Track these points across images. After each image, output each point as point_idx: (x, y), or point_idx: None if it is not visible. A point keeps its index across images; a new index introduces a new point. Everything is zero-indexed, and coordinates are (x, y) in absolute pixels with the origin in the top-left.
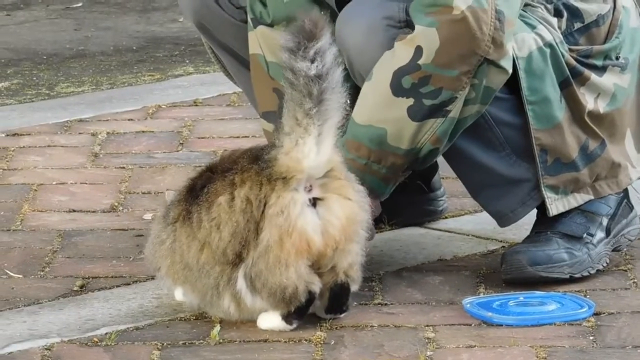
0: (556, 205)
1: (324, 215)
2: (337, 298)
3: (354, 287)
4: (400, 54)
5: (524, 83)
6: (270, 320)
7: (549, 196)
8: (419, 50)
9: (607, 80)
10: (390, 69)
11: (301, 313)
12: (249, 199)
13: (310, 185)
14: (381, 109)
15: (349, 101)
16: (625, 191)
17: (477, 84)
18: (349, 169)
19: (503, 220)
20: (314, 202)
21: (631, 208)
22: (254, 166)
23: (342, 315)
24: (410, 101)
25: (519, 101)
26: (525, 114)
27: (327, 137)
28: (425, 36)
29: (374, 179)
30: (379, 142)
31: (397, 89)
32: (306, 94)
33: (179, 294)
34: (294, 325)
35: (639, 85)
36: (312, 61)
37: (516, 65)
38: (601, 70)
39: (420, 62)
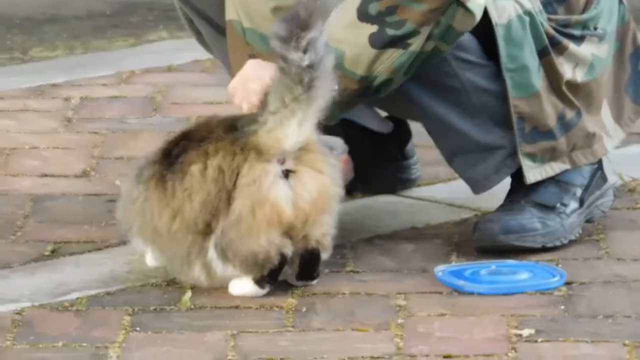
0: (533, 173)
1: (296, 188)
2: (308, 264)
3: (325, 255)
4: None
5: (502, 50)
6: (242, 286)
7: (527, 164)
8: None
9: (585, 50)
10: None
11: (273, 276)
12: (221, 168)
13: (284, 158)
14: (343, 30)
15: (336, 87)
16: (600, 163)
17: (442, 22)
18: None
19: (477, 187)
20: (287, 173)
21: (605, 180)
22: (229, 135)
23: (314, 282)
24: (374, 28)
25: (498, 68)
26: (504, 82)
27: (309, 120)
28: None
29: None
30: (336, 64)
31: (363, 13)
32: (297, 81)
33: (150, 260)
34: (266, 290)
35: (617, 55)
36: (305, 51)
37: (495, 33)
38: (579, 40)
39: None
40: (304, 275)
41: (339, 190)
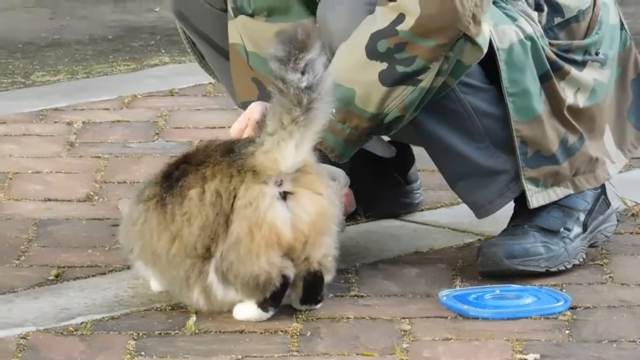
0: (537, 197)
1: (294, 210)
2: (311, 287)
3: (328, 277)
4: (381, 17)
5: (504, 74)
6: (246, 310)
7: (530, 188)
8: (400, 17)
9: (587, 75)
10: (368, 31)
11: (276, 299)
12: (219, 192)
13: (281, 180)
14: (353, 69)
15: (334, 110)
16: (603, 188)
17: (451, 57)
18: None
19: (480, 211)
20: (284, 195)
21: (608, 205)
22: (226, 159)
23: (318, 306)
24: (384, 65)
25: (500, 92)
26: (506, 106)
27: (307, 142)
28: (408, 4)
29: (337, 139)
30: (347, 102)
31: (372, 51)
32: (296, 103)
33: (155, 285)
34: (270, 313)
35: (619, 81)
36: (303, 73)
37: (497, 57)
38: (581, 65)
39: (399, 27)
40: (308, 299)
41: (336, 211)
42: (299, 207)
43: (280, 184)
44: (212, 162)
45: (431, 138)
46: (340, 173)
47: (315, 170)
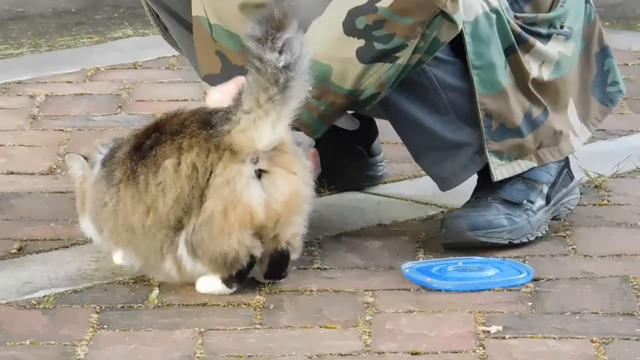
0: (500, 170)
1: (268, 189)
2: (277, 265)
3: (294, 256)
4: None
5: (469, 47)
6: (210, 284)
7: (494, 161)
8: None
9: (552, 48)
10: (345, 7)
11: (241, 277)
12: (195, 166)
13: (257, 157)
14: (330, 46)
15: (311, 88)
16: (566, 161)
17: (428, 35)
18: None
19: (444, 183)
20: (260, 173)
21: (571, 178)
22: (203, 132)
23: (281, 280)
24: (361, 42)
25: (465, 65)
26: (471, 79)
27: (283, 120)
28: None
29: (311, 115)
30: (323, 79)
31: (350, 28)
32: (273, 82)
33: (117, 258)
34: (234, 289)
35: (583, 55)
36: (281, 52)
37: (462, 30)
38: (546, 38)
39: (378, 4)
40: (272, 274)
41: (310, 191)
42: (273, 186)
43: (256, 162)
44: (188, 133)
45: (396, 111)
46: (305, 135)
47: (291, 150)
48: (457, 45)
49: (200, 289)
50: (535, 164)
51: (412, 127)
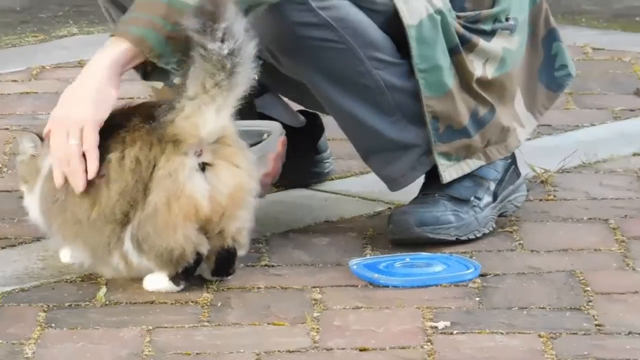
0: (449, 172)
1: (212, 182)
2: (224, 262)
3: (241, 252)
4: None
5: (414, 51)
6: (157, 282)
7: (442, 163)
8: None
9: (496, 44)
10: None
11: (188, 274)
12: (139, 159)
13: (201, 150)
14: None
15: (256, 76)
16: (513, 158)
17: None
18: (128, 28)
19: (393, 184)
20: (203, 166)
21: (518, 175)
22: (146, 125)
23: (229, 277)
24: None
25: (411, 67)
26: (417, 82)
27: (227, 107)
28: None
29: (157, 36)
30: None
31: None
32: (219, 67)
33: (65, 256)
34: (181, 287)
35: (530, 40)
36: (223, 41)
37: (407, 34)
38: (490, 35)
39: None
40: (219, 271)
41: (255, 184)
42: (217, 179)
43: (200, 154)
44: (131, 127)
45: (343, 113)
46: (275, 125)
47: (235, 143)
48: (403, 47)
49: (147, 287)
50: (483, 162)
51: (360, 128)
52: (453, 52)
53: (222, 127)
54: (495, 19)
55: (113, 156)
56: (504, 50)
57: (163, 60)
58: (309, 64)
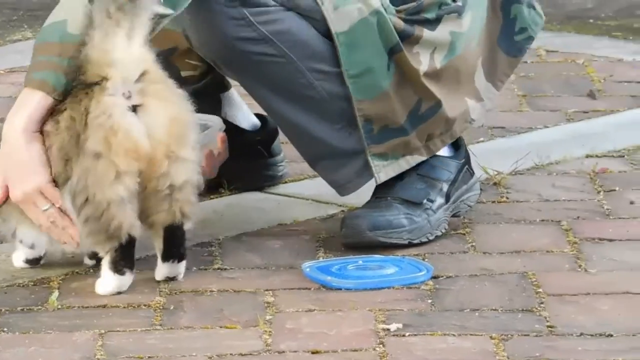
0: (385, 171)
1: (147, 121)
2: (173, 239)
3: (188, 225)
4: None
5: (343, 58)
6: (105, 281)
7: (377, 164)
8: None
9: (442, 31)
10: None
11: (127, 258)
12: (73, 117)
13: (129, 92)
14: (62, 3)
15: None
16: (467, 157)
17: None
18: (30, 75)
19: (340, 190)
20: (134, 109)
21: (472, 174)
22: (73, 89)
23: (182, 265)
24: None
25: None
26: (347, 88)
27: (137, 32)
28: None
29: (57, 75)
30: (61, 35)
31: None
32: None
33: (17, 260)
34: (127, 276)
35: (490, 7)
36: None
37: (335, 41)
38: (434, 23)
39: None
40: (170, 253)
41: (191, 117)
42: (151, 117)
43: (129, 97)
44: (60, 106)
45: (287, 122)
46: (214, 118)
47: (161, 79)
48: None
49: (98, 291)
50: (425, 157)
51: (304, 137)
52: (393, 51)
53: (140, 58)
54: (441, 4)
55: (49, 126)
56: (452, 35)
57: (60, 94)
58: (249, 77)
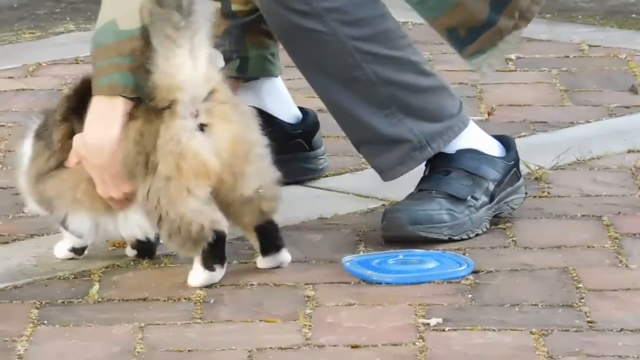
0: (488, 63)
1: (213, 139)
2: (265, 235)
3: (276, 216)
4: None
5: None
6: (195, 275)
7: (477, 62)
8: None
9: None
10: None
11: (218, 256)
12: (142, 132)
13: (197, 111)
14: (106, 4)
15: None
16: (516, 159)
17: None
18: (97, 82)
19: (383, 175)
20: (202, 127)
21: (518, 177)
22: (142, 104)
23: (284, 254)
24: None
25: (405, 59)
26: (409, 74)
27: (200, 50)
28: None
29: (123, 74)
30: (113, 34)
31: None
32: (175, 7)
33: (60, 250)
34: (218, 272)
35: None
36: None
37: None
38: None
39: None
40: (269, 247)
41: (257, 136)
42: (215, 137)
43: (196, 116)
44: (133, 111)
45: (333, 103)
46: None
47: (228, 98)
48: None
49: (190, 282)
50: (525, 27)
51: (350, 120)
52: None
53: (207, 77)
54: None
55: None
56: None
57: (140, 90)
58: (298, 51)
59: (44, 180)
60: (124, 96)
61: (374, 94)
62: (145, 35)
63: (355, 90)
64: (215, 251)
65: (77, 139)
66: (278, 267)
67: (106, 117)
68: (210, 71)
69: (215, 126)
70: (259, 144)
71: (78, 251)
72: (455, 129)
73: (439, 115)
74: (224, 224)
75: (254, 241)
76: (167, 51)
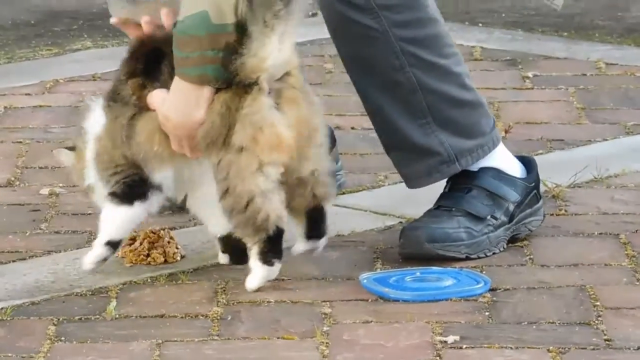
0: None
1: (285, 116)
2: (314, 221)
3: (328, 205)
4: None
5: None
6: (254, 276)
7: None
8: None
9: None
10: None
11: (276, 250)
12: (228, 105)
13: (271, 89)
14: None
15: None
16: (537, 182)
17: None
18: (186, 70)
19: (409, 183)
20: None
21: (538, 199)
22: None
23: (324, 241)
24: None
25: (447, 69)
26: (452, 85)
27: (288, 37)
28: None
29: (215, 67)
30: (206, 26)
31: None
32: None
33: (90, 260)
34: (275, 266)
35: None
36: None
37: None
38: None
39: None
40: (312, 234)
41: (321, 121)
42: (286, 115)
43: (270, 93)
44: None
45: (373, 106)
46: None
47: (300, 85)
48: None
49: (249, 285)
50: None
51: (384, 123)
52: None
53: (287, 59)
54: None
55: None
56: None
57: (216, 83)
58: (346, 45)
59: (131, 135)
60: (215, 87)
61: (413, 101)
62: (237, 30)
63: (396, 94)
64: (273, 245)
65: (155, 98)
66: (312, 250)
67: (192, 101)
68: (291, 56)
69: (284, 106)
70: (321, 131)
71: (114, 244)
72: (485, 148)
73: (472, 132)
74: (285, 222)
75: (299, 224)
76: (264, 37)
